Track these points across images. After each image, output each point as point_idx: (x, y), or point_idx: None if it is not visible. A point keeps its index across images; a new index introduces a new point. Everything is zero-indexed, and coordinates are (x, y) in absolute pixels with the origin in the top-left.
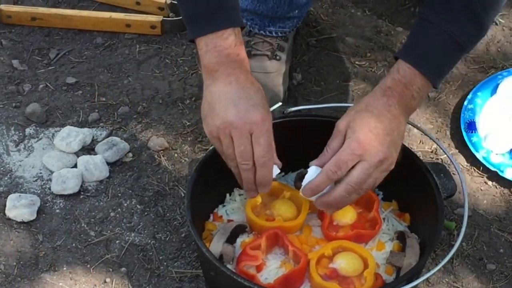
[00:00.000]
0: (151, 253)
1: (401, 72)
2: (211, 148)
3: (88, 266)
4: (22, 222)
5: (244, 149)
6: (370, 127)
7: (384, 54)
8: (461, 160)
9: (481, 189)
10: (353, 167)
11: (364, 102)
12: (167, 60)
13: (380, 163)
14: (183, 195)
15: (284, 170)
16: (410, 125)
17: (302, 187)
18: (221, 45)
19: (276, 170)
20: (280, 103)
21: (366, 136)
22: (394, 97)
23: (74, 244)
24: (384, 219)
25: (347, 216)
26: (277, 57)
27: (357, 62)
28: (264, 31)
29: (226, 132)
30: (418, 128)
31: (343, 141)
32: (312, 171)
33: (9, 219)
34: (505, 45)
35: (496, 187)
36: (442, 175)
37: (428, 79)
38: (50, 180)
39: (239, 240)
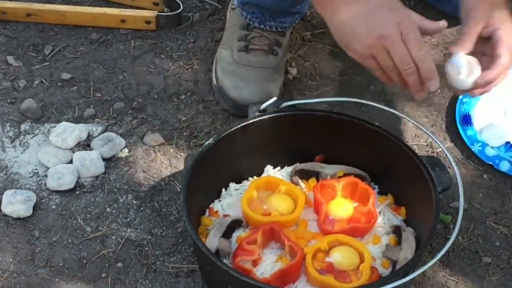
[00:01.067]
0: (147, 249)
1: None
2: (206, 143)
3: (84, 261)
4: (18, 218)
5: (403, 53)
6: None
7: None
8: (456, 153)
9: (477, 182)
10: None
11: None
12: (162, 56)
13: None
14: (179, 190)
15: (280, 164)
16: (405, 119)
17: (466, 77)
18: None
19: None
20: (275, 98)
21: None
22: None
23: (70, 240)
24: (380, 213)
25: (343, 210)
26: (274, 52)
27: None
28: (264, 25)
29: (379, 46)
30: (413, 122)
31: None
32: (462, 60)
33: (5, 215)
34: None
35: (492, 180)
36: (437, 168)
37: None
38: (46, 176)
39: (235, 235)
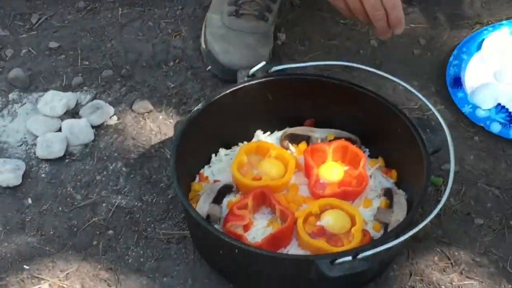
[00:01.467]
0: (138, 215)
1: None
2: (195, 109)
3: (75, 229)
4: (8, 187)
5: (374, 1)
6: None
7: None
8: (447, 116)
9: (468, 144)
10: None
11: None
12: (150, 23)
13: None
14: (169, 157)
15: (270, 129)
16: (395, 83)
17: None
18: None
19: None
20: (264, 62)
21: None
22: None
23: (60, 208)
24: (371, 176)
25: (333, 174)
26: (265, 18)
27: (341, 21)
28: None
29: None
30: (403, 85)
31: None
32: None
33: None
34: (490, 0)
35: (483, 142)
36: (428, 130)
37: None
38: (35, 144)
39: (225, 200)
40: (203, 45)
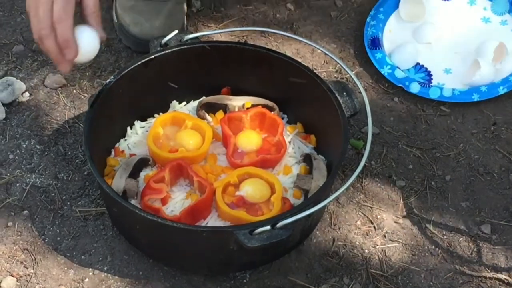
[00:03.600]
0: (53, 194)
1: None
2: (107, 81)
3: None
4: None
5: (42, 14)
6: None
7: None
8: (366, 78)
9: (388, 106)
10: None
11: None
12: None
13: None
14: None
15: (186, 99)
16: (312, 46)
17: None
18: None
19: (93, 38)
20: (176, 31)
21: None
22: None
23: None
24: (289, 142)
25: (252, 142)
26: None
27: None
28: None
29: (32, 4)
30: (320, 49)
31: None
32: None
33: None
34: None
35: (402, 103)
36: (344, 93)
37: None
38: None
39: (142, 174)
40: (115, 19)
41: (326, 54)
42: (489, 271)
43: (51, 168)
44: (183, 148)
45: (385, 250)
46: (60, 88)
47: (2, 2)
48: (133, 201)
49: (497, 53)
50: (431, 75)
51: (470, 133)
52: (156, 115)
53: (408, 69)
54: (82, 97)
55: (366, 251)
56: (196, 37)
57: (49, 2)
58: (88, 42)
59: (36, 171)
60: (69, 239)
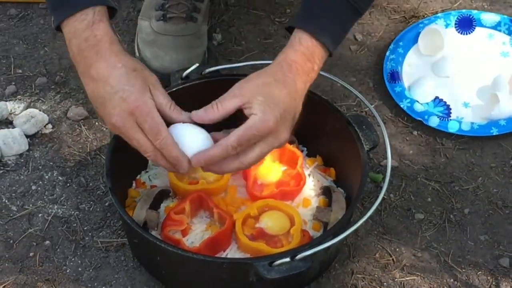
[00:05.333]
0: (75, 225)
1: (303, 43)
2: None
3: (11, 241)
4: None
5: (140, 141)
6: (266, 97)
7: None
8: (385, 111)
9: (407, 139)
10: None
11: (271, 74)
12: None
13: (271, 135)
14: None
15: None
16: (332, 80)
17: (193, 154)
18: (79, 29)
19: (203, 139)
20: (197, 64)
21: (273, 117)
22: (292, 67)
23: None
24: (309, 175)
25: (271, 174)
26: (194, 19)
27: (276, 19)
28: None
29: (117, 132)
30: (340, 82)
31: (239, 107)
32: (194, 131)
33: None
34: None
35: (422, 136)
36: (364, 126)
37: (327, 47)
38: None
39: (163, 206)
40: (137, 53)
41: (345, 87)
42: None
43: (73, 199)
44: (204, 180)
45: (403, 283)
46: (82, 120)
47: (26, 35)
48: (153, 232)
49: None
50: (450, 108)
51: (488, 166)
52: None
53: (427, 103)
54: (104, 129)
55: (385, 284)
56: (217, 70)
57: (136, 128)
58: (192, 140)
59: (58, 202)
60: (90, 270)
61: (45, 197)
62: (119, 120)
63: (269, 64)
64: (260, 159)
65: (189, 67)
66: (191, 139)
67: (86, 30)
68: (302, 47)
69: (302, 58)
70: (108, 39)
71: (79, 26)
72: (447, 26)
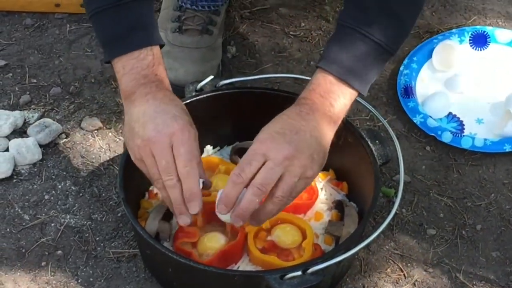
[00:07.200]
0: (87, 235)
1: (314, 81)
2: None
3: (23, 250)
4: None
5: (166, 163)
6: (275, 128)
7: (319, 23)
8: (398, 126)
9: (420, 154)
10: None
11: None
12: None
13: (288, 161)
14: None
15: (220, 144)
16: None
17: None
18: (138, 66)
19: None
20: (211, 77)
21: (270, 135)
22: (307, 104)
23: (8, 229)
24: (321, 189)
25: None
26: (209, 32)
27: (291, 33)
28: (196, 6)
29: (147, 151)
30: None
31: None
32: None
33: None
34: (439, 9)
35: (434, 152)
36: (377, 141)
37: (350, 86)
38: None
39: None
40: None
41: (359, 101)
42: None
43: (86, 209)
44: (216, 192)
45: None
46: (96, 131)
47: (41, 45)
48: (166, 244)
49: None
50: (463, 124)
51: (501, 183)
52: None
53: (440, 119)
54: (118, 140)
55: None
56: (231, 83)
57: (169, 149)
58: None
59: (71, 211)
60: (102, 280)
61: (57, 206)
62: (159, 135)
63: (283, 77)
64: (291, 189)
65: (203, 79)
66: None
67: (148, 69)
68: (313, 85)
69: (312, 94)
70: (166, 83)
71: (138, 64)
72: (461, 42)
